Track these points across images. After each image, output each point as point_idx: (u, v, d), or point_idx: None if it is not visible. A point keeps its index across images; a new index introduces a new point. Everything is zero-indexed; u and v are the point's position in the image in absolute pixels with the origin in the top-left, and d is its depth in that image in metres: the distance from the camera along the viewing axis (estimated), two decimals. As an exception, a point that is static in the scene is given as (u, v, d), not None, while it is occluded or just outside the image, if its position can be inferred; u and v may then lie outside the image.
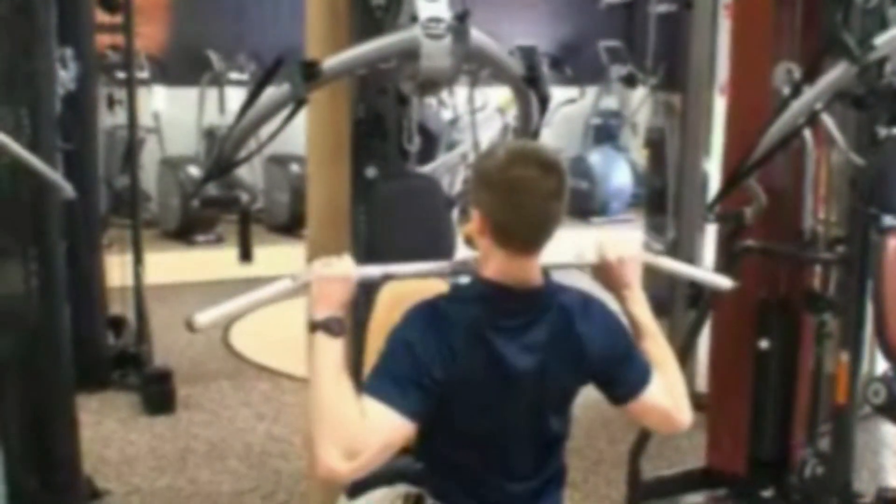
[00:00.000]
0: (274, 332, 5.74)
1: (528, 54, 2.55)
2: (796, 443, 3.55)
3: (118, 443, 4.02)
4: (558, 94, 9.01)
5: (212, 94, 8.33)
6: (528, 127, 2.73)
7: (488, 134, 6.05)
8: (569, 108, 9.14)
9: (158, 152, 8.12)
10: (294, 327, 5.77)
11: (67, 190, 2.81)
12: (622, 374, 1.96)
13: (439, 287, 2.39)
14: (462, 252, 2.74)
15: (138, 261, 4.70)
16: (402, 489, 2.19)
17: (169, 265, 6.63)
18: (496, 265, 1.87)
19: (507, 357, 1.85)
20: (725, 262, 3.36)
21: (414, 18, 2.38)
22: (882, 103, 2.97)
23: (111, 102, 5.61)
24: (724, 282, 2.33)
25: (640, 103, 9.39)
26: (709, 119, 4.25)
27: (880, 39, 2.79)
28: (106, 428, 4.12)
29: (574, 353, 1.92)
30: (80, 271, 4.15)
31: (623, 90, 9.25)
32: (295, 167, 8.10)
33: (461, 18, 2.39)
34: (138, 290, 4.70)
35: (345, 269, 1.91)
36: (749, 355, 3.51)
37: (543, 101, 2.53)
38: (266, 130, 2.71)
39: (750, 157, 3.06)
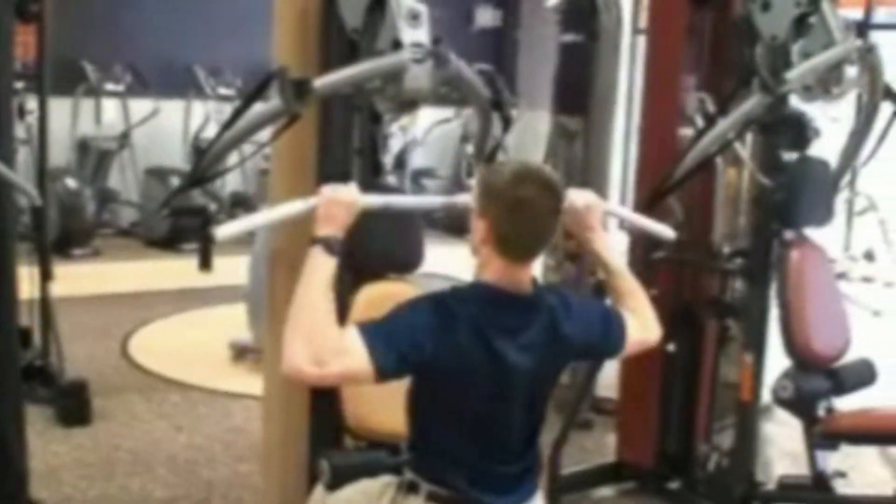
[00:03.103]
0: (172, 344, 5.77)
1: (491, 79, 2.78)
2: (699, 438, 3.88)
3: (40, 454, 3.97)
4: (433, 114, 9.32)
5: (87, 104, 8.21)
6: (485, 144, 2.95)
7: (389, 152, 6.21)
8: (443, 128, 9.44)
9: (32, 164, 7.93)
10: (190, 340, 5.80)
11: (34, 197, 2.84)
12: (605, 343, 2.27)
13: (413, 290, 2.58)
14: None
15: (45, 274, 4.65)
16: (387, 479, 2.36)
17: (49, 279, 6.51)
18: (495, 271, 2.08)
19: (506, 354, 2.05)
20: (642, 273, 3.64)
21: (396, 43, 2.56)
22: (786, 130, 3.34)
23: (21, 112, 5.51)
24: (669, 233, 2.69)
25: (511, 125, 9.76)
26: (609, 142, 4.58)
27: (791, 73, 3.15)
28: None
29: (561, 351, 2.16)
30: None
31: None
32: (175, 180, 8.07)
33: (436, 43, 2.60)
34: (45, 303, 4.65)
35: (351, 194, 2.15)
36: (657, 357, 3.82)
37: (507, 121, 2.76)
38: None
39: (669, 179, 3.37)
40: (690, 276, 3.78)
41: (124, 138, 8.29)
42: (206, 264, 3.04)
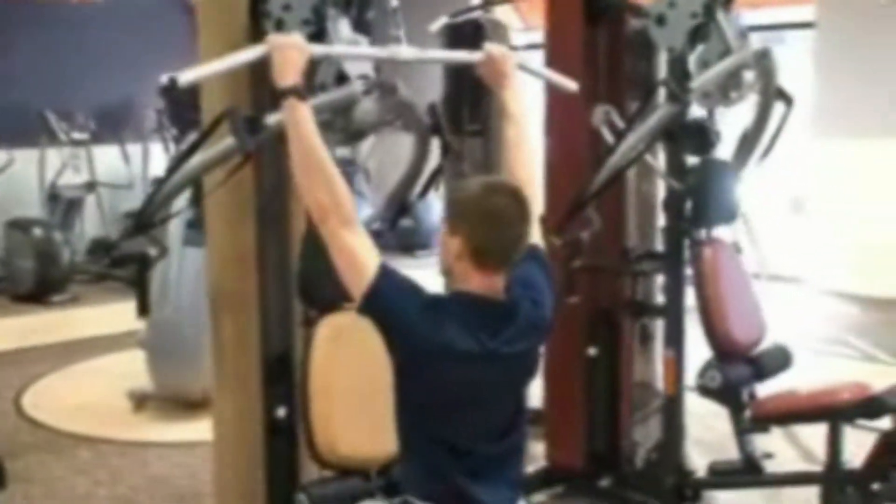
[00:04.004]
0: (67, 400, 5.56)
1: (431, 108, 2.86)
2: (623, 435, 4.04)
3: (-40, 527, 3.82)
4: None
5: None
6: (420, 168, 3.02)
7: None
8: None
9: None
10: (85, 393, 5.59)
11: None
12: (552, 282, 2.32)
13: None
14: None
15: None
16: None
17: None
18: (472, 284, 2.14)
19: (491, 346, 2.11)
20: (564, 281, 3.78)
21: (341, 76, 2.61)
22: (690, 136, 3.54)
23: None
24: (572, 85, 2.83)
25: (370, 150, 9.81)
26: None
27: (696, 82, 3.34)
28: (-59, 514, 3.89)
29: (543, 327, 2.24)
30: None
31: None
32: (38, 231, 7.80)
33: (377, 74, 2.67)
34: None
35: (297, 38, 2.24)
36: (580, 362, 3.96)
37: (447, 147, 2.84)
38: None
39: (586, 192, 3.50)
40: (607, 282, 3.94)
41: (-21, 193, 7.96)
42: (144, 310, 3.02)
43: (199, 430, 4.91)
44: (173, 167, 2.64)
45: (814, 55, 7.68)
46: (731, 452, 3.72)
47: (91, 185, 8.91)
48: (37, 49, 8.65)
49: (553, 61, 3.93)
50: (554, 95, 3.92)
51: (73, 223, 8.76)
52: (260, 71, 2.81)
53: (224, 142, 2.56)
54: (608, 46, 3.82)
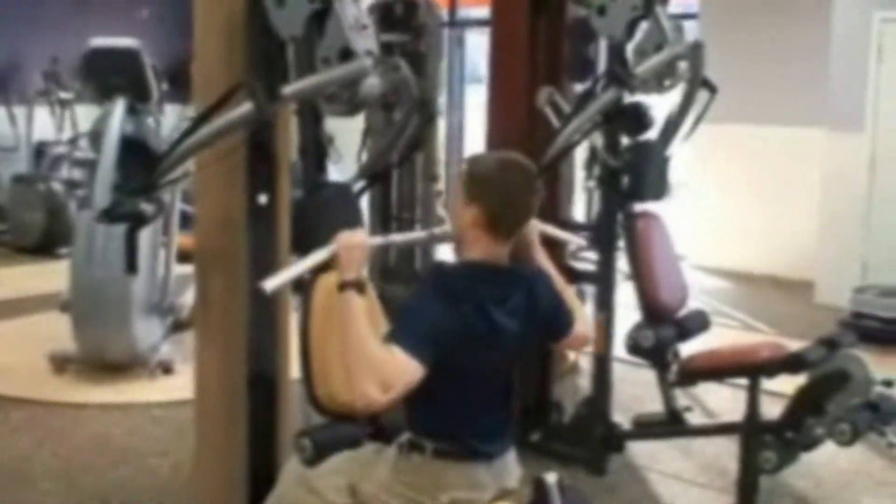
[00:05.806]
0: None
1: (417, 85, 3.08)
2: (551, 391, 4.37)
3: None
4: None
5: None
6: (399, 139, 3.25)
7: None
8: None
9: None
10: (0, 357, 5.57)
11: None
12: (555, 318, 2.60)
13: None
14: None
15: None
16: (372, 446, 2.62)
17: None
18: (482, 250, 2.42)
19: (499, 321, 2.40)
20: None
21: (345, 52, 2.79)
22: (627, 118, 3.87)
23: None
24: (582, 241, 3.08)
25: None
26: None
27: (640, 69, 3.67)
28: None
29: (535, 314, 2.51)
30: None
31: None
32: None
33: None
34: None
35: (362, 238, 2.47)
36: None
37: (431, 118, 3.07)
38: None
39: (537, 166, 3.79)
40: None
41: None
42: (132, 267, 3.14)
43: (127, 391, 5.05)
44: (187, 132, 2.77)
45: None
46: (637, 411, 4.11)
47: (-25, 148, 8.74)
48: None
49: (499, 45, 4.22)
50: (497, 76, 4.21)
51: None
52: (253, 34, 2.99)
53: (239, 108, 2.72)
54: (550, 32, 4.10)
